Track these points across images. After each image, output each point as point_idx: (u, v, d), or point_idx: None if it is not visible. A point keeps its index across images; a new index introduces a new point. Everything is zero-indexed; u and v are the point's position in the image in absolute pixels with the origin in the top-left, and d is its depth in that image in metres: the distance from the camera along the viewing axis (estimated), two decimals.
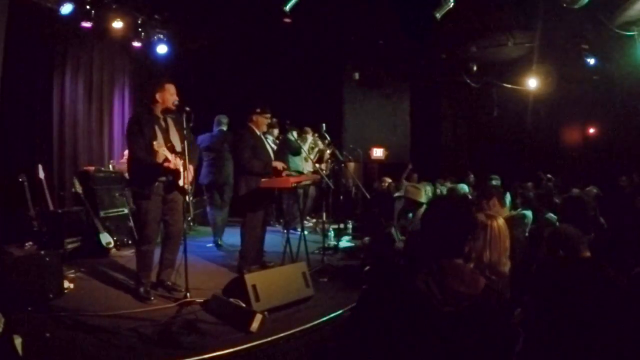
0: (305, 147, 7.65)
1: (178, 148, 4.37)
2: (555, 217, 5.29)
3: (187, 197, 4.50)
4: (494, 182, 8.13)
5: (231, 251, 6.29)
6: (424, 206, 5.20)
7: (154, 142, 4.19)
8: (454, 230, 1.70)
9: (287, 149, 7.37)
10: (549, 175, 9.36)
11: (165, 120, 4.44)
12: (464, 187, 7.16)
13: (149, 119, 4.34)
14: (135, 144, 4.28)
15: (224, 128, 6.85)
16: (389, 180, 8.19)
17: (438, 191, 7.21)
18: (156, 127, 4.33)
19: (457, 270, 1.64)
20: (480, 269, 2.66)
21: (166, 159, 4.24)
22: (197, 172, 5.20)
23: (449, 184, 8.30)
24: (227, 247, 6.62)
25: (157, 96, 4.37)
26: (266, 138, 5.82)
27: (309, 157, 7.67)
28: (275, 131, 7.68)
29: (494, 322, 1.59)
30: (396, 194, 6.64)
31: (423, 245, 1.74)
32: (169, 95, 4.37)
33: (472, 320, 1.54)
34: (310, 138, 8.00)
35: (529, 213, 4.97)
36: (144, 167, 4.27)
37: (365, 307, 1.70)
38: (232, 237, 6.70)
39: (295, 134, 7.46)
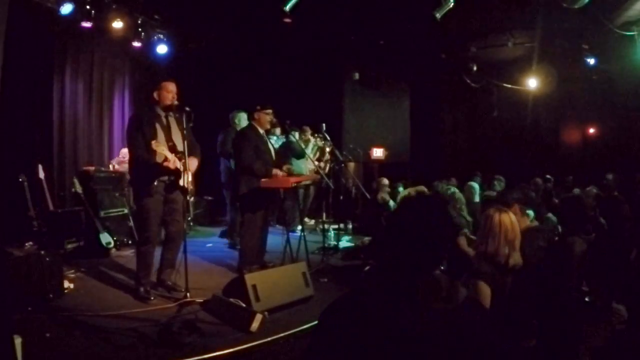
0: (309, 150, 7.63)
1: (180, 147, 4.36)
2: (555, 218, 5.30)
3: (186, 197, 4.50)
4: (497, 184, 8.10)
5: (231, 251, 6.30)
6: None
7: (152, 142, 4.19)
8: (430, 240, 1.41)
9: (290, 153, 7.35)
10: (547, 176, 9.35)
11: (167, 119, 4.44)
12: (475, 185, 7.13)
13: (149, 118, 4.34)
14: (134, 143, 4.28)
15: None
16: (386, 181, 8.12)
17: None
18: (157, 126, 4.32)
19: (434, 285, 1.42)
20: (478, 258, 2.71)
21: (165, 159, 4.24)
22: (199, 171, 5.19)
23: (453, 184, 8.13)
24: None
25: (155, 94, 4.39)
26: (269, 138, 5.81)
27: (309, 156, 7.66)
28: (278, 130, 7.67)
29: (469, 340, 1.37)
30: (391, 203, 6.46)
31: (392, 258, 1.44)
32: (166, 93, 4.37)
33: (445, 339, 1.34)
34: (313, 140, 7.99)
35: (531, 213, 4.97)
36: (144, 166, 4.27)
37: (327, 331, 1.44)
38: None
39: (297, 135, 7.45)
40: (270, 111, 5.42)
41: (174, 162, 4.27)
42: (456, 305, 1.44)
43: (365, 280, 1.52)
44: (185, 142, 4.30)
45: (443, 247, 1.44)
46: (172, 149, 4.33)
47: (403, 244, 1.43)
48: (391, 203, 6.67)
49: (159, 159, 4.23)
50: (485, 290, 2.60)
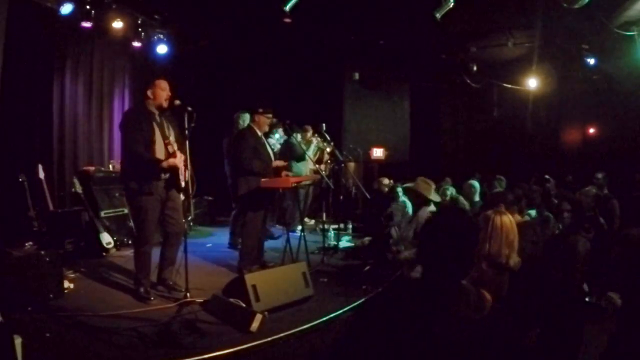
0: (310, 152, 7.61)
1: (175, 146, 4.37)
2: (553, 217, 5.30)
3: (187, 196, 4.49)
4: (497, 184, 8.09)
5: (231, 251, 6.29)
6: (431, 205, 5.15)
7: (166, 140, 4.20)
8: (457, 251, 1.50)
9: (291, 155, 7.33)
10: (547, 176, 9.35)
11: (160, 117, 4.42)
12: (475, 184, 7.11)
13: (146, 116, 4.32)
14: (133, 139, 4.24)
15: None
16: (386, 180, 8.12)
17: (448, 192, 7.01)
18: (154, 124, 4.31)
19: (463, 294, 1.50)
20: (479, 259, 2.73)
21: (169, 155, 4.24)
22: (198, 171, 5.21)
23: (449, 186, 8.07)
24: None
25: (149, 93, 4.37)
26: (267, 140, 5.81)
27: (310, 157, 7.66)
28: (281, 130, 7.65)
29: (496, 346, 1.46)
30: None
31: (425, 269, 1.57)
32: (160, 91, 4.35)
33: (474, 345, 1.43)
34: (315, 142, 7.97)
35: (532, 212, 4.99)
36: (143, 163, 4.23)
37: (363, 336, 1.56)
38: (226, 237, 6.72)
39: (299, 136, 7.44)
40: (270, 115, 5.43)
41: (180, 158, 4.27)
42: (483, 314, 1.51)
43: (401, 286, 1.63)
44: (187, 142, 4.29)
45: (469, 257, 1.54)
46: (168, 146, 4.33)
47: (432, 256, 1.54)
48: (399, 189, 6.61)
49: (161, 155, 4.22)
50: (487, 298, 2.64)
